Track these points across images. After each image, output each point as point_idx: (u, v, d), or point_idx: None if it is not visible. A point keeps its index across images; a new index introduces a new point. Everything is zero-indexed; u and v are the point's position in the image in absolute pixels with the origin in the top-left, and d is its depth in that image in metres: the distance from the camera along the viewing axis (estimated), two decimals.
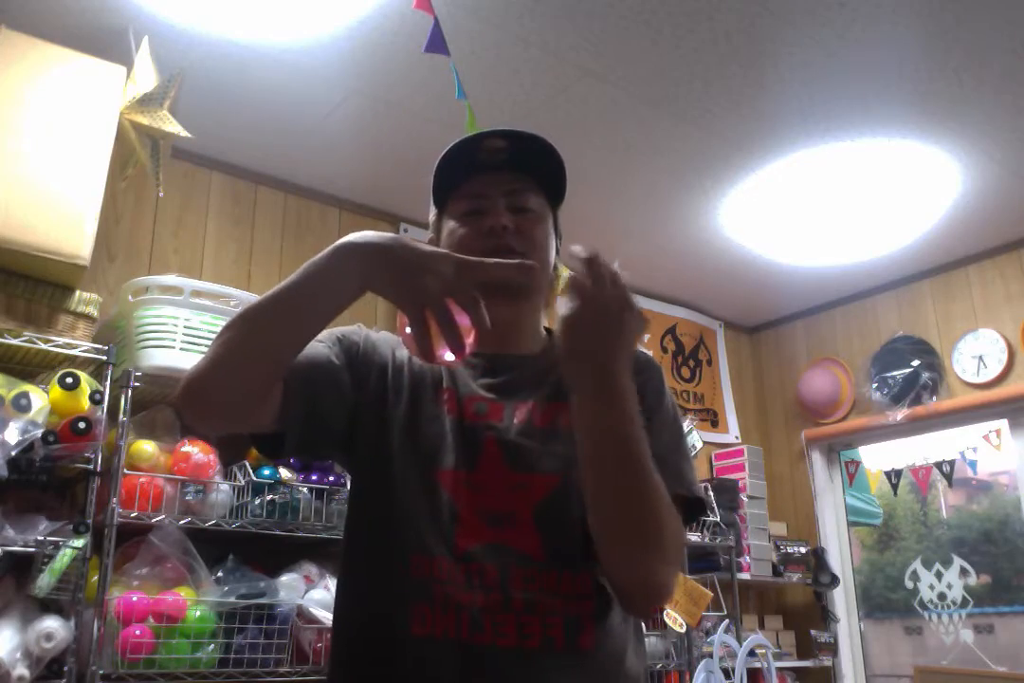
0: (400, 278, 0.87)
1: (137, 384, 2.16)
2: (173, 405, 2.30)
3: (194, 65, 2.39)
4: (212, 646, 2.10)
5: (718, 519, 3.42)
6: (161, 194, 2.41)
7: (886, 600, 3.95)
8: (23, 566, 1.95)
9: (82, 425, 1.97)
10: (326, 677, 1.09)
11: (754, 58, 2.43)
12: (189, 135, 2.28)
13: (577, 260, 0.91)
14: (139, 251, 2.74)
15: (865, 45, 2.37)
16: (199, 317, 2.22)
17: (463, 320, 0.86)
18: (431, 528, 1.01)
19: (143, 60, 2.25)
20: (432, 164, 1.14)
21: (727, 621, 3.20)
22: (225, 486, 2.27)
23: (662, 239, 3.53)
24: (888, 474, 3.90)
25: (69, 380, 2.01)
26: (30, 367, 2.17)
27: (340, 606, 1.08)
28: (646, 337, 3.96)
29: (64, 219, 2.02)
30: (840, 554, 3.98)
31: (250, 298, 2.21)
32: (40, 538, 1.91)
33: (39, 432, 1.93)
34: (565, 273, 1.09)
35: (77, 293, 2.15)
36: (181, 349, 2.17)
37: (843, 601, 3.92)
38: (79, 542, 1.94)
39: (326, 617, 2.20)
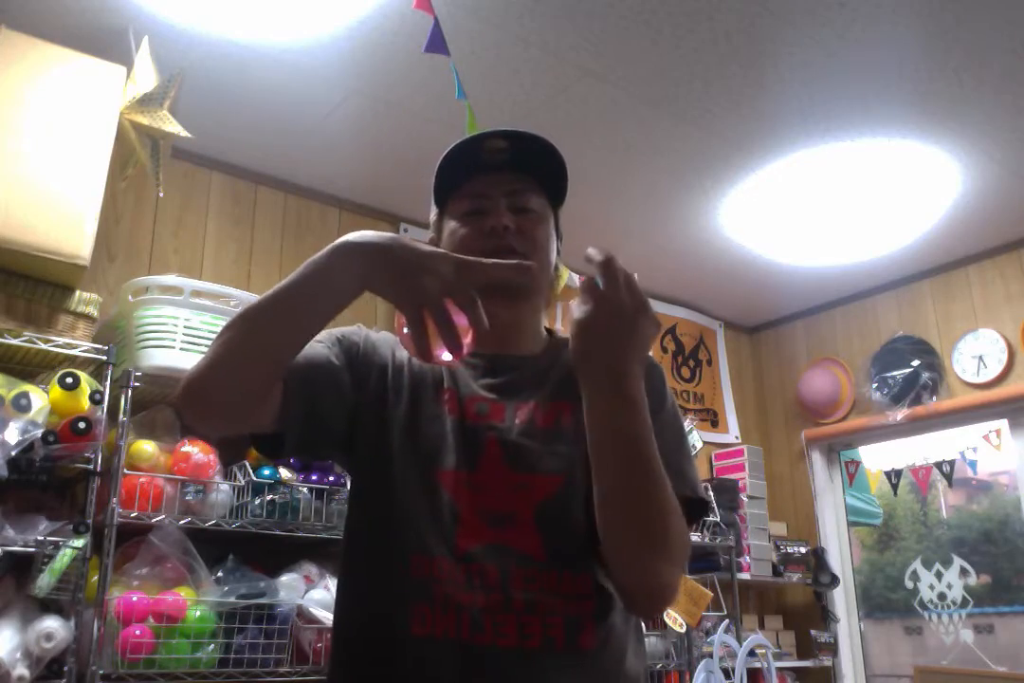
0: (399, 278, 0.87)
1: (137, 384, 2.16)
2: (173, 405, 2.30)
3: (194, 65, 2.39)
4: (212, 646, 2.10)
5: (718, 519, 3.42)
6: (161, 194, 2.41)
7: (886, 600, 3.95)
8: (23, 566, 1.95)
9: (82, 425, 1.97)
10: (326, 677, 1.09)
11: (754, 58, 2.42)
12: (189, 135, 2.28)
13: (592, 263, 0.91)
14: (139, 251, 2.74)
15: (865, 45, 2.37)
16: (199, 317, 2.22)
17: (461, 320, 0.86)
18: (431, 528, 1.01)
19: (143, 60, 2.25)
20: (432, 164, 1.14)
21: (727, 621, 3.20)
22: (225, 486, 2.27)
23: (662, 239, 3.53)
24: (888, 474, 3.89)
25: (69, 380, 2.01)
26: (30, 367, 2.17)
27: (340, 606, 1.08)
28: None
29: (64, 219, 2.02)
30: (840, 554, 3.98)
31: (250, 298, 2.21)
32: (40, 538, 1.91)
33: (39, 432, 1.92)
34: (566, 273, 1.10)
35: (77, 293, 2.15)
36: (181, 349, 2.17)
37: (843, 601, 3.92)
38: (79, 542, 1.94)
39: (326, 617, 2.20)
